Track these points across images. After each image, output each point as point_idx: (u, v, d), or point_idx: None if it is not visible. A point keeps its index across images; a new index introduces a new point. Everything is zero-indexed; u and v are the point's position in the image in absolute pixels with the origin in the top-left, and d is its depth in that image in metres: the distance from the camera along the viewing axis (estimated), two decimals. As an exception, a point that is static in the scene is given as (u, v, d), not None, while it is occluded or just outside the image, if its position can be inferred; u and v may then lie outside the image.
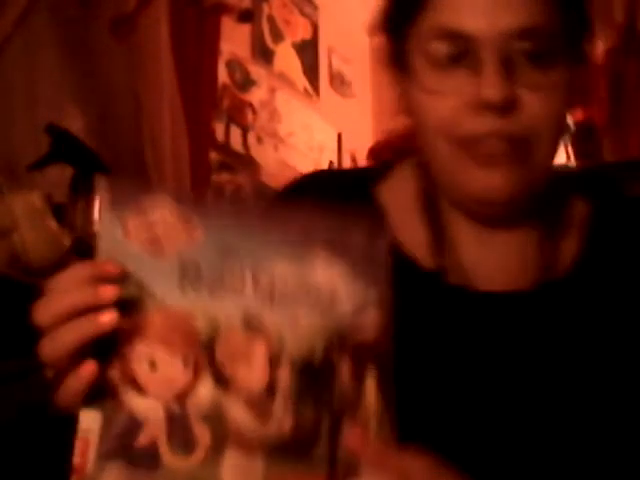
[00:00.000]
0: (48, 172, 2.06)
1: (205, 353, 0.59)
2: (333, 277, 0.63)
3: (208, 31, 2.76)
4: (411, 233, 0.83)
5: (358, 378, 0.62)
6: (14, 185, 1.87)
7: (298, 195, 0.88)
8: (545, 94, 0.74)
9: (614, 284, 0.81)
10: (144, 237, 0.60)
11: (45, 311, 0.60)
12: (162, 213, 0.60)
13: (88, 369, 0.58)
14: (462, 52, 0.74)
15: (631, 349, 0.78)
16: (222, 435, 0.59)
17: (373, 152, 3.23)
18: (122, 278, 0.59)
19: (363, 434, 0.63)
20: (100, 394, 0.58)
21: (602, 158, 2.47)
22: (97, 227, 0.60)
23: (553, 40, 0.74)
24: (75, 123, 2.33)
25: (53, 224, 1.77)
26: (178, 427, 0.58)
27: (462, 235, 0.82)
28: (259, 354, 0.60)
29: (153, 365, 0.59)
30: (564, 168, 0.85)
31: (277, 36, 3.42)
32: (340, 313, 0.62)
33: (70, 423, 0.59)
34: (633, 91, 2.57)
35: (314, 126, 3.52)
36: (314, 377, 0.61)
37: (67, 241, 1.79)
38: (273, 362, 0.60)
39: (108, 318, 0.58)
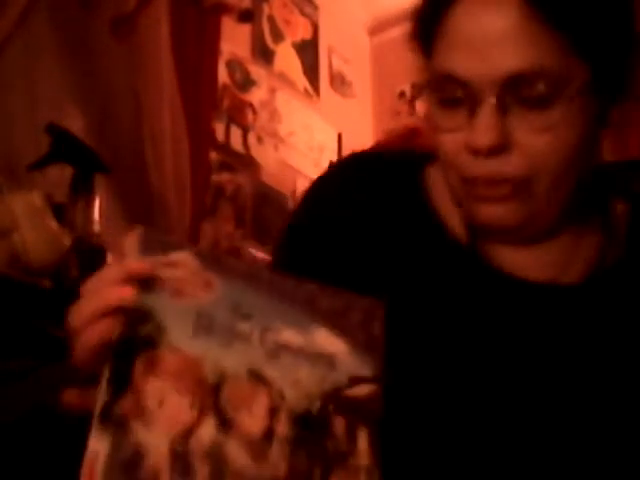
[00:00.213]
0: (48, 172, 2.06)
1: (210, 397, 0.63)
2: (333, 345, 0.68)
3: (208, 31, 2.77)
4: (456, 219, 0.84)
5: (351, 435, 0.67)
6: (14, 185, 1.87)
7: (342, 177, 0.89)
8: (547, 132, 0.73)
9: None
10: (166, 276, 0.64)
11: (74, 314, 0.64)
12: (185, 263, 0.65)
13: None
14: (463, 95, 0.75)
15: None
16: (221, 474, 0.62)
17: (373, 152, 3.22)
18: (143, 315, 0.63)
19: None
20: (112, 419, 0.60)
21: (602, 158, 2.47)
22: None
23: (556, 81, 0.72)
24: (75, 123, 2.33)
25: (53, 224, 1.77)
26: (180, 463, 0.60)
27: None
28: (260, 403, 0.64)
29: (162, 402, 0.61)
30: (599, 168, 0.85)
31: (277, 36, 3.42)
32: (338, 376, 0.68)
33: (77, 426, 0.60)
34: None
35: (314, 126, 3.52)
36: (310, 428, 0.65)
37: (67, 241, 1.79)
38: (273, 412, 0.64)
39: (120, 321, 0.61)
